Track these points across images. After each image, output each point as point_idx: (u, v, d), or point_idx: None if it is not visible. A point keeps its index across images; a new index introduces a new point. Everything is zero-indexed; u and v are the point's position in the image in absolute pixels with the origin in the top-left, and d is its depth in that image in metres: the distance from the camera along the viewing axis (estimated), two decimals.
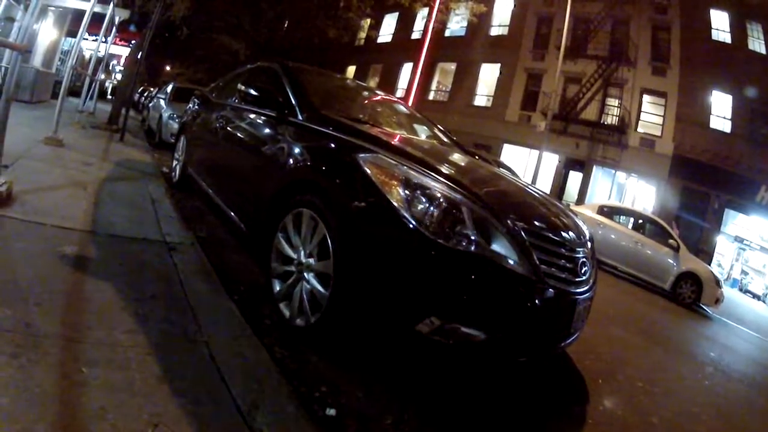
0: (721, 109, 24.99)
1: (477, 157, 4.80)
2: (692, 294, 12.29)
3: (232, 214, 4.30)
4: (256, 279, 3.78)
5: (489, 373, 3.41)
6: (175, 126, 9.92)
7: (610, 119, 27.61)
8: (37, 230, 3.44)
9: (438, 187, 2.74)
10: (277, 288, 3.26)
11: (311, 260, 3.02)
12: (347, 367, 2.89)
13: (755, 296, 28.98)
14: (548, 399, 3.51)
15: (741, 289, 29.44)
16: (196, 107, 6.63)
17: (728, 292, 17.03)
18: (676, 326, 9.58)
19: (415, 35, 35.03)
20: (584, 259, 3.27)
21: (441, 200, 2.66)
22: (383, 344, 2.90)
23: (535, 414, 3.20)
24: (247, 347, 2.63)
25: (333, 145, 3.33)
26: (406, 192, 2.68)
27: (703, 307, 12.59)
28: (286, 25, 26.62)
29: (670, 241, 13.11)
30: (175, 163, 6.87)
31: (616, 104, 27.57)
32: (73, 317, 2.42)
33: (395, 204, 2.64)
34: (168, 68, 38.34)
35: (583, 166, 27.87)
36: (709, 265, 17.10)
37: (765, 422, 4.93)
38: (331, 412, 2.34)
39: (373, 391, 2.70)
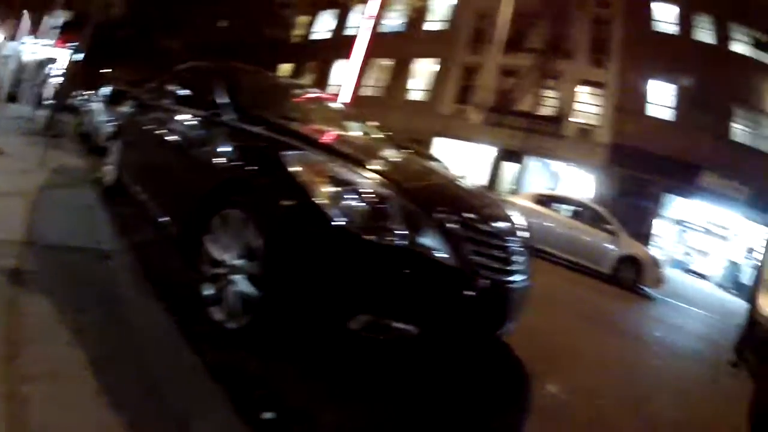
0: (661, 97, 25.76)
1: (410, 152, 4.82)
2: (633, 277, 12.58)
3: (164, 217, 4.19)
4: (189, 283, 3.70)
5: (430, 364, 3.39)
6: (110, 129, 9.70)
7: (547, 110, 28.03)
8: None
9: (365, 183, 2.74)
10: (209, 291, 3.18)
11: (241, 261, 2.97)
12: (283, 368, 2.87)
13: (700, 276, 30.01)
14: (492, 388, 3.52)
15: (684, 270, 30.42)
16: (131, 110, 6.49)
17: (672, 273, 17.54)
18: (618, 309, 9.82)
19: (352, 32, 34.70)
20: (517, 249, 3.31)
21: (367, 196, 2.66)
22: (318, 342, 2.86)
23: (480, 404, 3.21)
24: (182, 354, 2.60)
25: (261, 144, 3.30)
26: (333, 189, 2.67)
27: (645, 288, 12.89)
28: (224, 25, 26.41)
29: (608, 226, 13.34)
30: (109, 168, 6.69)
31: (553, 96, 28.05)
32: (10, 333, 2.37)
33: (321, 201, 2.62)
34: (107, 71, 37.46)
35: (518, 156, 28.17)
36: (649, 248, 17.53)
37: (714, 396, 5.02)
38: (269, 415, 2.30)
39: (311, 390, 2.68)
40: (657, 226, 26.72)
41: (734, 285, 25.54)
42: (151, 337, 2.70)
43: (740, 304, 16.51)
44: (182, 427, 2.03)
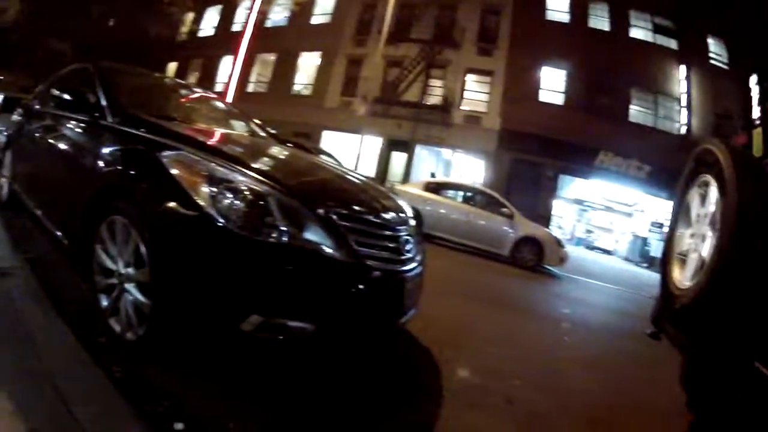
0: (553, 83, 26.98)
1: (295, 147, 4.87)
2: (533, 257, 12.97)
3: (55, 229, 4.07)
4: (86, 296, 3.55)
5: (333, 359, 3.42)
6: (2, 140, 9.30)
7: (433, 99, 28.81)
8: None
9: (243, 180, 2.74)
10: (105, 303, 3.12)
11: (130, 270, 2.91)
12: (186, 375, 2.83)
13: (605, 251, 31.62)
14: (400, 378, 3.56)
15: (588, 247, 31.97)
16: (20, 117, 6.19)
17: (574, 250, 18.22)
18: (522, 289, 9.99)
19: (237, 27, 34.37)
20: (407, 238, 3.41)
21: (246, 193, 2.67)
22: (215, 345, 2.85)
23: (389, 395, 3.24)
24: (86, 371, 2.54)
25: (139, 146, 3.24)
26: (211, 188, 2.65)
27: (548, 267, 13.34)
28: (111, 24, 25.52)
29: (503, 209, 13.67)
30: (2, 180, 6.46)
31: (440, 85, 28.84)
32: None
33: (200, 202, 2.61)
34: None
35: (406, 146, 28.78)
36: (549, 228, 18.19)
37: (632, 363, 5.23)
38: (179, 426, 2.27)
39: (215, 395, 2.67)
40: (556, 207, 27.94)
41: (643, 258, 27.09)
42: (57, 355, 2.63)
43: (650, 276, 17.48)
44: None
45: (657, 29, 27.00)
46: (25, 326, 2.90)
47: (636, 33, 27.11)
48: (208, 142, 3.39)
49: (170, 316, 2.69)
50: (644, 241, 28.37)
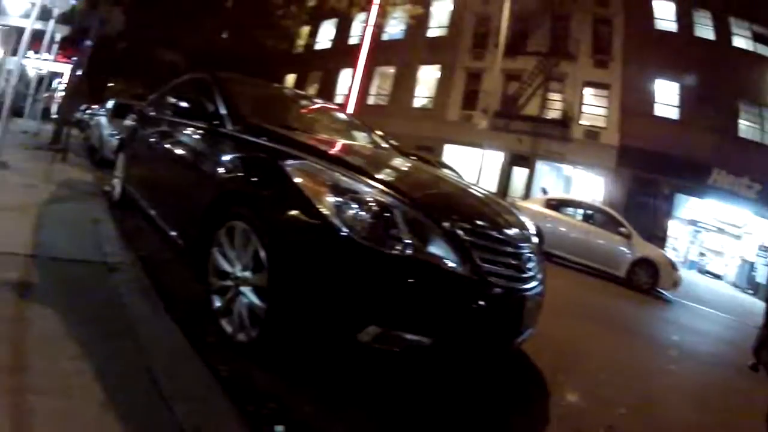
0: (667, 96, 25.58)
1: (417, 160, 4.76)
2: (649, 279, 12.43)
3: (170, 230, 4.17)
4: (196, 296, 3.61)
5: (444, 374, 3.33)
6: (115, 143, 9.69)
7: (553, 113, 27.96)
8: None
9: (368, 192, 2.68)
10: (217, 303, 3.15)
11: (247, 273, 2.92)
12: (294, 381, 2.80)
13: (715, 276, 29.79)
14: (509, 398, 3.47)
15: (700, 271, 30.23)
16: (134, 123, 6.48)
17: (687, 274, 17.38)
18: (635, 313, 9.72)
19: (353, 41, 34.88)
20: (529, 255, 3.25)
21: (371, 204, 2.60)
22: (327, 354, 2.83)
23: (496, 414, 3.15)
24: (191, 368, 2.53)
25: (262, 155, 3.25)
26: (336, 198, 2.61)
27: (662, 291, 12.77)
28: (224, 36, 26.49)
29: (621, 229, 13.20)
30: (115, 181, 6.67)
31: (558, 98, 27.94)
32: (18, 345, 2.34)
33: (324, 211, 2.56)
34: (110, 84, 37.66)
35: (527, 161, 28.10)
36: (664, 249, 17.38)
37: (737, 399, 4.96)
38: (280, 429, 2.23)
39: (322, 403, 2.61)
40: (671, 227, 26.54)
41: (749, 284, 25.29)
42: (161, 350, 2.64)
43: (756, 304, 16.42)
44: None
45: (757, 38, 25.16)
46: (130, 320, 2.93)
47: (738, 42, 25.26)
48: (331, 152, 3.35)
49: (286, 320, 2.66)
50: (751, 266, 26.53)
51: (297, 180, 2.76)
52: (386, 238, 2.52)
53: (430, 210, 2.78)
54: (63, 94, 16.53)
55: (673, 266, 12.80)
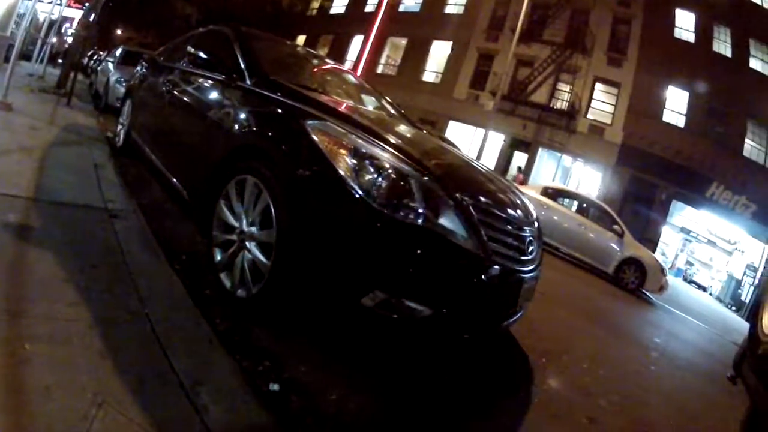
0: (676, 104, 25.53)
1: (426, 132, 4.75)
2: (635, 280, 12.49)
3: (175, 180, 4.15)
4: (197, 248, 3.65)
5: (434, 349, 3.38)
6: (122, 90, 9.61)
7: (560, 104, 27.86)
8: None
9: (387, 158, 2.66)
10: (219, 257, 3.14)
11: (253, 229, 2.91)
12: (290, 340, 2.83)
13: (700, 287, 29.95)
14: (494, 378, 3.50)
15: (685, 279, 30.40)
16: (144, 71, 6.40)
17: (672, 281, 17.48)
18: (620, 311, 9.77)
19: (369, 8, 34.80)
20: (531, 238, 3.27)
21: (390, 171, 2.59)
22: (327, 316, 2.83)
23: (481, 393, 3.17)
24: (189, 320, 2.56)
25: (280, 111, 3.22)
26: (354, 161, 2.60)
27: (647, 293, 12.84)
28: None
29: (615, 226, 13.23)
30: (119, 127, 6.65)
31: (568, 90, 27.83)
32: (15, 290, 2.33)
33: (342, 173, 2.55)
34: (119, 32, 37.33)
35: (528, 147, 28.13)
36: (655, 253, 17.44)
37: (713, 411, 5.00)
38: (275, 387, 2.27)
39: (317, 364, 2.64)
40: (664, 232, 26.66)
41: (734, 301, 25.44)
42: (160, 300, 2.65)
43: (738, 322, 16.67)
44: (189, 394, 1.98)
45: None
46: (130, 268, 2.94)
47: (755, 64, 25.24)
48: (349, 114, 3.30)
49: (290, 279, 2.66)
50: (738, 284, 26.61)
51: (317, 139, 2.74)
52: (401, 206, 2.51)
53: (445, 182, 2.77)
54: (72, 39, 16.38)
55: (662, 270, 12.84)
